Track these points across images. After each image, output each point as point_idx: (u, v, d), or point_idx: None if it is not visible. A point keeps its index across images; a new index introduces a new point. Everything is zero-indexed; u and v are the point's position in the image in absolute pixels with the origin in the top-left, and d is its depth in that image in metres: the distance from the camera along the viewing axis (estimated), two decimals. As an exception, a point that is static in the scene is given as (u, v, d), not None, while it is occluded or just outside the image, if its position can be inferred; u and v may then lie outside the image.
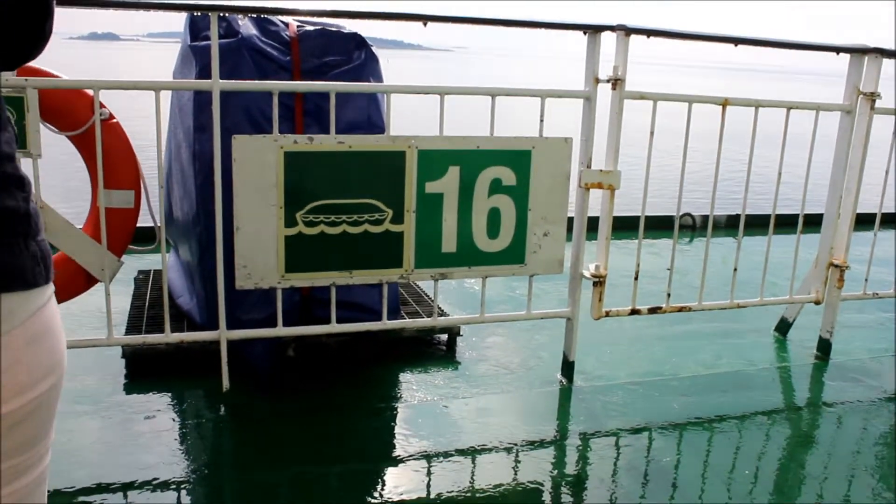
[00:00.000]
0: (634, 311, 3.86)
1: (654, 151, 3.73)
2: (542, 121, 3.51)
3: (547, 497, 2.93)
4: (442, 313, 4.08)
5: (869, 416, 3.77)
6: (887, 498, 3.05)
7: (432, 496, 2.86)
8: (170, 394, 3.52)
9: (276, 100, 3.20)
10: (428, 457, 3.12)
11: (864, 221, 4.49)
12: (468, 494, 2.88)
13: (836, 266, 4.22)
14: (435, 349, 4.15)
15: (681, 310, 4.01)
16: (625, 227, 4.59)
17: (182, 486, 2.83)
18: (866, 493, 3.08)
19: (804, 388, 4.13)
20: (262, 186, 3.16)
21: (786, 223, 4.51)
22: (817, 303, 4.33)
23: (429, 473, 3.02)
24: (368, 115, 3.67)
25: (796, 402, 3.96)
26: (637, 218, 3.86)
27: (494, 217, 3.47)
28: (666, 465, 3.18)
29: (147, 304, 4.10)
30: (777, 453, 3.40)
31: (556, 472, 3.10)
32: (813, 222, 4.37)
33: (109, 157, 3.27)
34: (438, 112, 3.35)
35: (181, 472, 2.91)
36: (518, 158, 3.47)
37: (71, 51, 67.73)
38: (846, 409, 3.82)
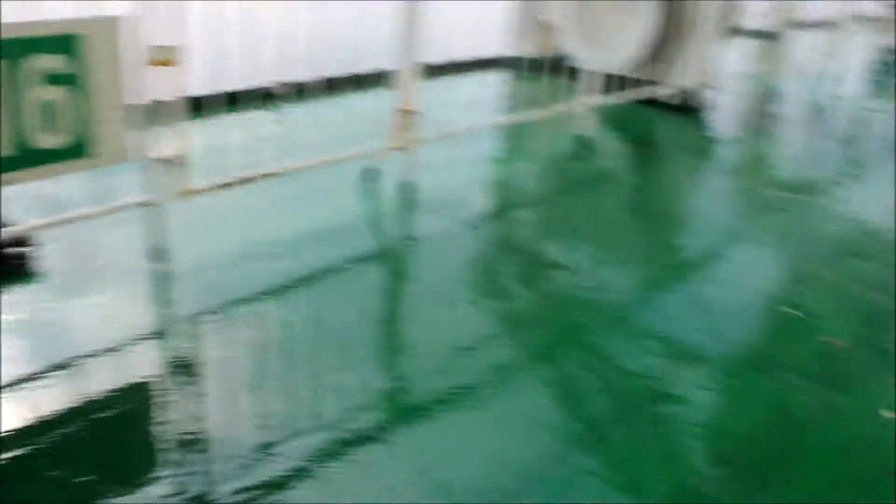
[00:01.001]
0: (225, 185, 3.84)
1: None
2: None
3: (165, 386, 2.89)
4: (9, 225, 3.65)
5: (455, 243, 4.20)
6: (467, 310, 3.49)
7: (45, 413, 2.69)
8: None
9: None
10: (31, 378, 2.90)
11: (438, 73, 4.84)
12: (80, 405, 2.75)
13: (407, 111, 4.54)
14: (10, 264, 3.72)
15: (271, 175, 4.07)
16: (212, 104, 4.48)
17: None
18: (462, 307, 3.49)
19: (396, 228, 4.46)
20: None
21: (369, 81, 4.69)
22: (398, 149, 4.65)
23: (34, 392, 2.82)
24: None
25: (390, 243, 4.27)
26: (219, 95, 3.77)
27: (49, 110, 3.18)
28: (276, 331, 3.28)
29: None
30: (379, 293, 3.69)
31: (170, 359, 3.07)
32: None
33: None
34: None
35: None
36: (65, 44, 3.18)
37: None
38: (434, 240, 4.21)
